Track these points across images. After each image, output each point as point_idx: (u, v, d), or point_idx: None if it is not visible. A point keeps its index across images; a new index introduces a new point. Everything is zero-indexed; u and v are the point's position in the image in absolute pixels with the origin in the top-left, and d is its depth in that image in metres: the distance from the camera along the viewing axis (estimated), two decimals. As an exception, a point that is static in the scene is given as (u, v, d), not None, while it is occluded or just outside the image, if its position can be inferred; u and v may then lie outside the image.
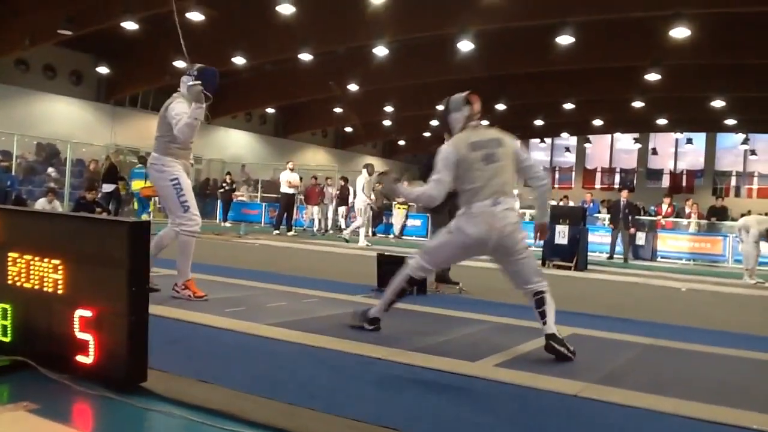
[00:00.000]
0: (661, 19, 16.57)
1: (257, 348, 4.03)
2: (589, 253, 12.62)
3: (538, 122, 31.88)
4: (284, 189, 18.13)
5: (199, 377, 3.16)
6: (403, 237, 20.52)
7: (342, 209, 21.28)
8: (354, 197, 17.79)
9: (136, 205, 17.60)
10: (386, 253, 7.74)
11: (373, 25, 18.83)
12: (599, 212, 21.04)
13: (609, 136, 38.11)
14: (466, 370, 3.70)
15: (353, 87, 25.53)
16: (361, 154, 39.68)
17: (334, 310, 5.63)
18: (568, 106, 27.85)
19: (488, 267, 7.93)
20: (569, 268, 11.95)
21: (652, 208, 21.66)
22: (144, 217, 15.92)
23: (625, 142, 37.98)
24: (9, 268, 3.19)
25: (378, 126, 35.25)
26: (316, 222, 20.73)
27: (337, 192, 21.00)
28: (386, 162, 39.58)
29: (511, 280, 4.35)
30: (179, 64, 22.41)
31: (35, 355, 3.05)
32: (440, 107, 4.59)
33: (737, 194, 34.83)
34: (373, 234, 20.82)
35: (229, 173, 23.32)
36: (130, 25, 18.89)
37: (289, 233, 18.15)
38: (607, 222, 18.81)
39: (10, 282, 3.18)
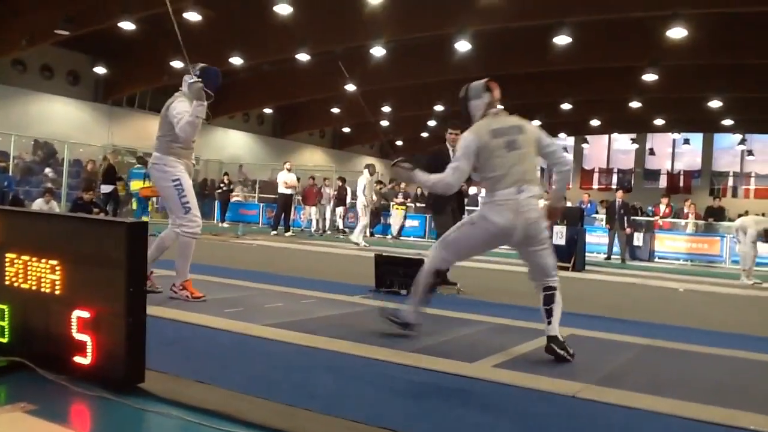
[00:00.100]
0: (658, 19, 16.61)
1: (255, 348, 4.03)
2: (586, 254, 12.62)
3: (536, 122, 31.83)
4: (282, 189, 18.14)
5: (196, 378, 3.16)
6: (401, 237, 20.52)
7: (339, 209, 21.30)
8: (356, 197, 17.77)
9: (134, 205, 17.58)
10: (384, 254, 7.74)
11: (371, 26, 18.85)
12: (597, 213, 21.06)
13: (606, 136, 38.18)
14: (464, 371, 3.70)
15: (351, 87, 25.52)
16: (358, 155, 39.70)
17: (331, 311, 5.63)
18: (566, 106, 27.89)
19: (487, 267, 7.96)
20: (567, 269, 11.94)
21: (650, 208, 21.68)
22: (144, 219, 15.89)
23: (623, 143, 38.04)
24: (6, 268, 3.18)
25: (376, 126, 35.23)
26: (314, 222, 20.74)
27: (335, 192, 21.00)
28: (384, 162, 39.56)
29: (531, 272, 4.28)
30: (177, 64, 22.43)
31: (33, 356, 3.05)
32: (461, 95, 4.51)
33: (734, 195, 34.91)
34: (371, 234, 20.81)
35: (226, 173, 23.32)
36: (127, 26, 18.89)
37: (287, 234, 18.15)
38: (603, 222, 18.83)
39: (7, 283, 3.17)
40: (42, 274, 3.05)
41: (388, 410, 2.93)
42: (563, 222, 12.07)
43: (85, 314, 2.92)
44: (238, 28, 20.46)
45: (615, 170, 38.87)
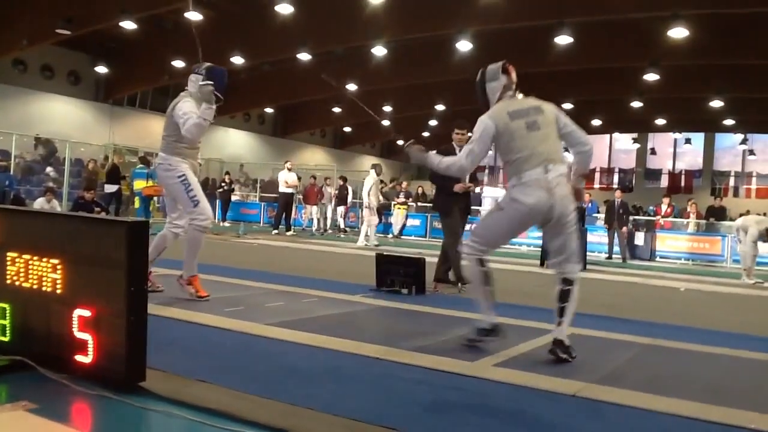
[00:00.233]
0: (659, 19, 16.60)
1: (256, 348, 4.03)
2: (587, 253, 12.62)
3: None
4: (282, 189, 18.14)
5: (197, 377, 3.17)
6: (402, 237, 20.52)
7: (341, 209, 21.29)
8: (356, 197, 17.78)
9: (137, 204, 17.64)
10: (385, 253, 7.74)
11: (372, 25, 18.84)
12: (598, 212, 21.06)
13: (608, 136, 38.13)
14: (464, 370, 3.70)
15: (352, 86, 25.53)
16: (359, 154, 39.72)
17: (332, 310, 5.63)
18: (567, 106, 27.79)
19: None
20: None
21: (651, 208, 21.67)
22: (145, 218, 15.89)
23: (624, 142, 38.01)
24: (8, 267, 3.19)
25: (376, 126, 35.24)
26: (315, 222, 20.73)
27: (336, 192, 21.00)
28: (385, 162, 39.57)
29: (556, 254, 4.18)
30: (178, 63, 22.46)
31: (34, 355, 3.05)
32: (477, 78, 4.41)
33: (736, 194, 34.85)
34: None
35: (227, 173, 23.32)
36: (128, 25, 18.89)
37: (288, 233, 18.14)
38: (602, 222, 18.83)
39: (8, 282, 3.18)
40: (43, 273, 3.06)
41: (389, 409, 2.93)
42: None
43: (86, 313, 2.92)
44: (239, 27, 20.46)
45: (616, 170, 38.82)
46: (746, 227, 11.78)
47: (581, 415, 3.08)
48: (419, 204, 23.41)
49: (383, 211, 21.46)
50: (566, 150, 4.33)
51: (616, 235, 16.57)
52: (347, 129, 37.05)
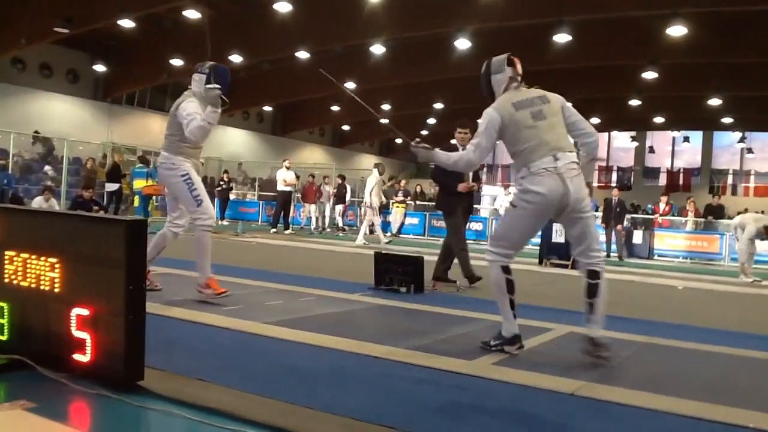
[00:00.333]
0: (658, 17, 16.60)
1: (255, 346, 4.03)
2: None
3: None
4: (281, 187, 18.14)
5: (196, 376, 3.16)
6: (401, 235, 20.52)
7: (339, 207, 21.29)
8: (355, 196, 17.77)
9: (137, 202, 17.66)
10: (384, 252, 7.74)
11: (371, 24, 18.84)
12: (597, 210, 21.07)
13: (606, 134, 38.14)
14: (464, 369, 3.70)
15: (350, 84, 25.51)
16: (358, 153, 39.72)
17: (331, 309, 5.63)
18: (566, 104, 27.88)
19: (484, 266, 7.96)
20: (566, 267, 11.96)
21: (650, 206, 21.68)
22: (142, 216, 15.88)
23: (623, 141, 38.06)
24: (6, 266, 3.18)
25: (375, 124, 35.24)
26: (314, 220, 20.73)
27: (335, 190, 20.99)
28: (384, 160, 39.56)
29: (576, 245, 4.13)
30: (176, 62, 22.45)
31: (32, 354, 3.05)
32: (482, 70, 4.36)
33: (734, 192, 34.91)
34: (371, 232, 20.80)
35: (226, 171, 23.31)
36: (127, 24, 18.87)
37: (287, 231, 18.15)
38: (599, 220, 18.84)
39: (6, 280, 3.17)
40: (41, 271, 3.06)
41: (388, 408, 2.93)
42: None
43: (85, 312, 2.92)
44: (238, 26, 20.46)
45: (615, 168, 38.86)
46: (744, 225, 11.79)
47: (580, 413, 3.08)
48: (418, 202, 23.40)
49: (382, 209, 21.47)
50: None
51: (613, 233, 16.58)
52: (346, 127, 37.05)
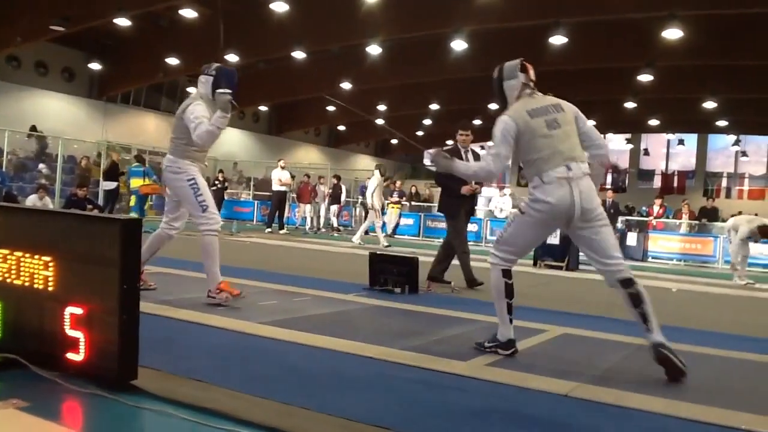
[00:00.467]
0: (654, 20, 16.63)
1: (249, 346, 4.02)
2: (580, 253, 12.64)
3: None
4: (276, 187, 18.12)
5: (190, 375, 3.16)
6: (396, 236, 20.51)
7: (334, 207, 21.28)
8: (350, 196, 17.73)
9: (133, 202, 17.65)
10: (378, 252, 7.74)
11: (368, 24, 18.83)
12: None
13: (601, 136, 38.22)
14: (458, 370, 3.70)
15: (346, 86, 25.52)
16: (353, 153, 39.72)
17: (326, 309, 5.63)
18: (562, 106, 27.90)
19: (481, 266, 7.96)
20: (560, 268, 11.99)
21: (644, 208, 21.74)
22: (135, 214, 15.86)
23: (617, 143, 38.08)
24: (-1, 264, 3.17)
25: (371, 125, 35.24)
26: (308, 220, 20.72)
27: (330, 190, 20.99)
28: (379, 161, 39.56)
29: (592, 256, 4.02)
30: (172, 61, 22.40)
31: (25, 353, 3.04)
32: (493, 75, 4.29)
33: (728, 195, 34.97)
34: (366, 233, 20.79)
35: (221, 171, 23.30)
36: (123, 22, 18.82)
37: (281, 231, 18.13)
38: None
39: (0, 279, 3.16)
40: (35, 270, 3.05)
41: (383, 408, 2.93)
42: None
43: (78, 311, 2.91)
44: (234, 25, 20.42)
45: (609, 170, 38.90)
46: (737, 227, 11.83)
47: (575, 414, 3.08)
48: (413, 203, 23.41)
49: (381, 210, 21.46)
50: None
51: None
52: (341, 128, 37.03)
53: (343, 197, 21.45)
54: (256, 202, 24.74)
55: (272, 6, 17.62)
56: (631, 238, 17.98)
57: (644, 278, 11.49)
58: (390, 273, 6.91)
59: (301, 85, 26.28)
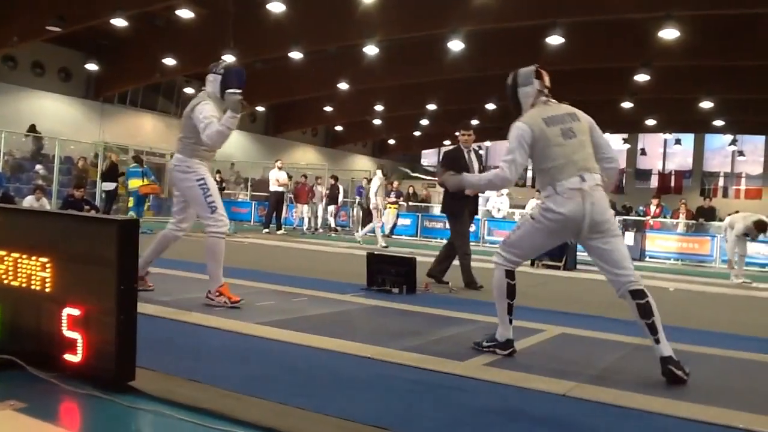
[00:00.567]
0: (651, 20, 16.65)
1: (247, 347, 4.02)
2: (578, 253, 12.65)
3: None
4: (273, 187, 18.11)
5: (188, 376, 3.15)
6: (393, 236, 20.51)
7: (331, 208, 21.28)
8: (348, 197, 17.70)
9: (131, 203, 17.64)
10: (376, 252, 7.74)
11: (365, 25, 18.83)
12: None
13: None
14: (455, 370, 3.70)
15: (344, 86, 25.52)
16: (351, 153, 39.71)
17: (323, 309, 5.62)
18: (558, 106, 27.91)
19: (478, 266, 7.97)
20: (558, 268, 12.00)
21: (641, 208, 21.77)
22: (133, 215, 15.83)
23: (614, 143, 38.10)
24: (-4, 266, 3.16)
25: (368, 125, 35.26)
26: (306, 221, 20.71)
27: (327, 191, 20.98)
28: (376, 161, 39.59)
29: (603, 266, 3.95)
30: (169, 61, 22.37)
31: (23, 354, 3.03)
32: (508, 81, 4.24)
33: (725, 195, 35.06)
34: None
35: (218, 171, 23.27)
36: (119, 23, 18.79)
37: (279, 232, 18.11)
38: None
39: (-3, 280, 3.15)
40: (32, 271, 3.04)
41: (380, 409, 2.93)
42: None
43: (76, 312, 2.90)
44: (231, 25, 20.41)
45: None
46: (733, 224, 11.85)
47: (573, 414, 3.08)
48: (410, 203, 23.41)
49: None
50: None
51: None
52: (339, 128, 37.03)
53: (340, 198, 21.44)
54: (253, 202, 24.73)
55: (269, 6, 17.60)
56: (629, 238, 17.98)
57: (641, 278, 11.53)
58: (388, 273, 6.90)
59: (299, 86, 26.26)
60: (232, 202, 25.37)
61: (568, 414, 3.09)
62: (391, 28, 19.21)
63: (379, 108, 30.13)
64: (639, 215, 21.33)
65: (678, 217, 20.16)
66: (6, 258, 3.12)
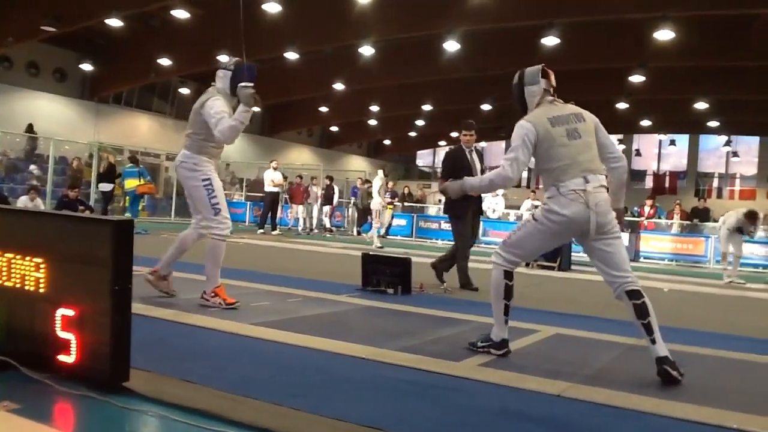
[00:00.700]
0: (646, 21, 16.71)
1: (241, 348, 4.01)
2: (572, 253, 12.68)
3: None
4: (268, 188, 18.11)
5: (182, 377, 3.15)
6: (388, 236, 20.52)
7: (326, 208, 21.28)
8: (343, 197, 17.67)
9: (127, 203, 17.63)
10: (371, 253, 7.74)
11: (361, 25, 18.85)
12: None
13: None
14: (450, 370, 3.71)
15: (339, 86, 25.51)
16: (346, 154, 39.70)
17: (318, 310, 5.62)
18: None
19: (473, 267, 7.98)
20: (553, 269, 12.02)
21: (635, 209, 21.83)
22: (129, 215, 15.80)
23: (610, 144, 38.24)
24: (-10, 266, 3.15)
25: (364, 125, 35.25)
26: (301, 221, 20.71)
27: (322, 191, 20.98)
28: (372, 162, 39.60)
29: (603, 268, 3.97)
30: (164, 61, 22.33)
31: (16, 355, 3.02)
32: (514, 81, 4.23)
33: (719, 195, 35.18)
34: (358, 233, 20.81)
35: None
36: (115, 23, 18.76)
37: (274, 232, 18.11)
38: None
39: (-9, 280, 3.14)
40: (26, 272, 3.03)
41: (375, 409, 2.93)
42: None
43: (70, 312, 2.89)
44: (227, 26, 20.36)
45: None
46: (726, 219, 11.91)
47: (567, 415, 3.09)
48: (405, 204, 23.42)
49: (369, 210, 21.48)
50: None
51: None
52: (334, 128, 37.01)
53: (335, 198, 21.45)
54: (248, 203, 24.70)
55: (265, 6, 17.59)
56: (623, 239, 18.04)
57: (638, 279, 11.56)
58: (383, 274, 6.90)
59: (294, 86, 26.26)
60: (227, 203, 25.33)
61: (563, 414, 3.09)
62: (387, 28, 19.23)
63: (374, 108, 30.13)
64: (633, 216, 21.38)
65: (672, 218, 20.21)
66: (0, 258, 3.12)
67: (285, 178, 19.71)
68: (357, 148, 41.08)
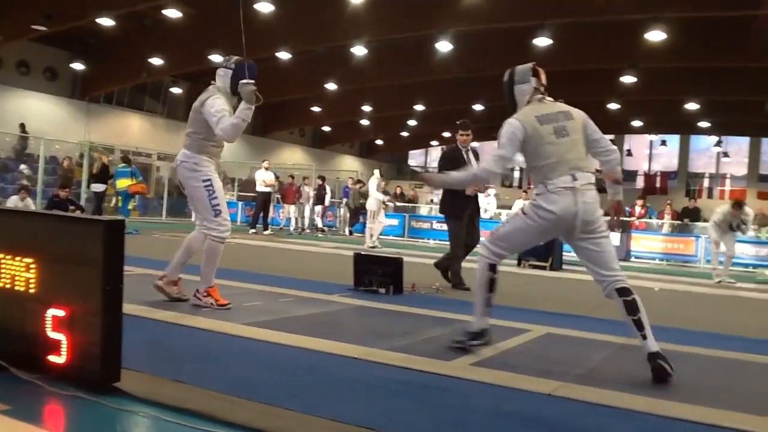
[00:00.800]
0: (638, 22, 16.76)
1: (233, 347, 4.00)
2: (564, 253, 12.72)
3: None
4: (260, 188, 18.09)
5: (174, 377, 3.14)
6: (380, 236, 20.49)
7: (318, 208, 21.27)
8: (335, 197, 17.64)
9: (120, 203, 17.58)
10: (363, 252, 7.74)
11: (353, 25, 18.84)
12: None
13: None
14: (442, 370, 3.71)
15: (332, 86, 25.49)
16: (338, 154, 39.67)
17: (310, 310, 5.61)
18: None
19: (466, 266, 7.98)
20: (544, 268, 12.05)
21: (627, 209, 21.91)
22: (122, 216, 15.74)
23: (601, 144, 38.35)
24: (-20, 266, 3.13)
25: (356, 125, 35.24)
26: (293, 221, 20.69)
27: (314, 191, 20.96)
28: (364, 162, 39.60)
29: (592, 267, 4.00)
30: (156, 61, 22.26)
31: (6, 355, 3.00)
32: (504, 78, 4.26)
33: (710, 195, 35.35)
34: (350, 233, 20.81)
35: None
36: (106, 22, 18.69)
37: (266, 232, 18.09)
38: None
39: (-20, 281, 3.12)
40: (16, 272, 3.01)
41: (368, 409, 2.93)
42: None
43: (61, 313, 2.88)
44: (219, 25, 20.33)
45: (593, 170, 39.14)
46: (714, 215, 11.99)
47: (558, 414, 3.09)
48: (397, 204, 23.42)
49: (361, 210, 21.45)
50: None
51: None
52: (326, 128, 36.98)
53: (327, 198, 21.44)
54: (240, 203, 24.64)
55: (257, 6, 17.56)
56: (614, 238, 18.09)
57: (627, 278, 11.60)
58: (375, 273, 6.90)
59: (287, 86, 26.19)
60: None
61: (555, 413, 3.10)
62: (380, 28, 19.22)
63: (367, 108, 30.12)
64: (625, 215, 21.46)
65: (663, 218, 20.29)
66: (-10, 258, 3.10)
67: (277, 178, 19.69)
68: (349, 148, 41.05)
